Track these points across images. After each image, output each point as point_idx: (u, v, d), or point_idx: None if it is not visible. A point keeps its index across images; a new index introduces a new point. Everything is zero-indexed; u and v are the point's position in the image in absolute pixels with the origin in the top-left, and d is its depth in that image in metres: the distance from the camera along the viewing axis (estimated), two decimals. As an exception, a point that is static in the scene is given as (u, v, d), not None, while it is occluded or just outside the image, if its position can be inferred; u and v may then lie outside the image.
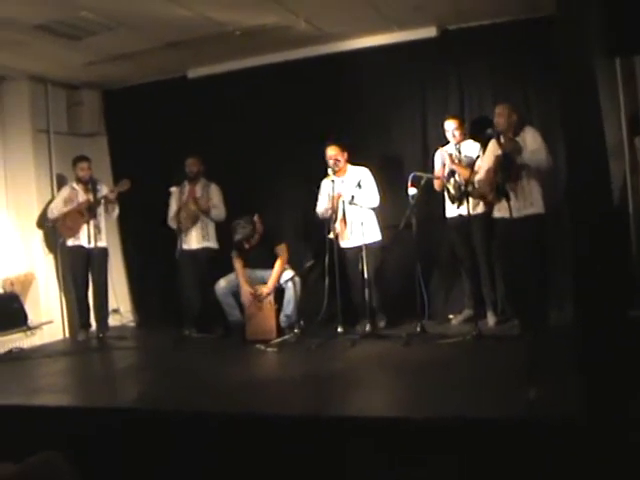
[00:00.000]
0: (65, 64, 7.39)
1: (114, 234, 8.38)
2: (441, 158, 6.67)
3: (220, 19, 6.35)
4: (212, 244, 7.53)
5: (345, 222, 6.64)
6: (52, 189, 8.05)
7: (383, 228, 6.95)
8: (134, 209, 7.98)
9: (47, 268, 7.94)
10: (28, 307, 7.43)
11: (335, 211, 6.75)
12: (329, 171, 6.78)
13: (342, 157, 6.87)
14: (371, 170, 6.90)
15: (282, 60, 7.46)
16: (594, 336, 3.46)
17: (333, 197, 6.74)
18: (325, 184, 6.95)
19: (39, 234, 7.88)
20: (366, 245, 6.66)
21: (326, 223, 6.80)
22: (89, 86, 8.28)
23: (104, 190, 7.57)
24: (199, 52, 7.26)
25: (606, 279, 3.49)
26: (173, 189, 7.29)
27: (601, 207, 3.63)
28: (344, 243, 6.91)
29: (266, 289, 6.81)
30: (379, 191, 6.84)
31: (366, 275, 6.60)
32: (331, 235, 6.70)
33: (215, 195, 7.53)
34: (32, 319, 7.41)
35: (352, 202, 6.70)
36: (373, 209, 6.85)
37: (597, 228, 3.57)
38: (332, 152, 6.83)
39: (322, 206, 6.96)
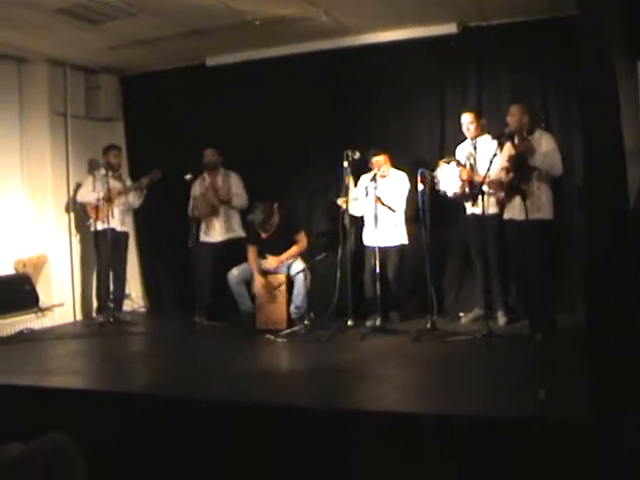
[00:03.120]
0: (85, 48, 7.40)
1: (128, 220, 8.40)
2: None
3: (241, 8, 6.33)
4: (237, 233, 7.58)
5: (376, 222, 6.62)
6: (67, 172, 8.09)
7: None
8: (149, 196, 7.99)
9: (60, 250, 7.98)
10: (40, 289, 7.47)
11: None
12: (372, 173, 6.75)
13: (388, 164, 6.90)
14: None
15: (301, 51, 7.43)
16: (604, 339, 3.45)
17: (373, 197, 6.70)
18: (365, 179, 6.88)
19: (53, 216, 7.93)
20: (391, 247, 6.82)
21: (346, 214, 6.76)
22: (107, 71, 8.30)
23: (128, 181, 7.94)
24: (219, 40, 7.25)
25: (619, 283, 3.48)
26: (188, 177, 7.27)
27: (617, 211, 3.62)
28: (369, 241, 6.91)
29: (273, 261, 6.90)
30: (407, 198, 6.87)
31: (389, 275, 6.80)
32: (340, 201, 6.73)
33: (235, 184, 7.61)
34: (43, 301, 7.45)
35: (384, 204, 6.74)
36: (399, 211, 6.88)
37: (612, 232, 3.56)
38: (380, 160, 6.83)
39: (355, 195, 6.90)
